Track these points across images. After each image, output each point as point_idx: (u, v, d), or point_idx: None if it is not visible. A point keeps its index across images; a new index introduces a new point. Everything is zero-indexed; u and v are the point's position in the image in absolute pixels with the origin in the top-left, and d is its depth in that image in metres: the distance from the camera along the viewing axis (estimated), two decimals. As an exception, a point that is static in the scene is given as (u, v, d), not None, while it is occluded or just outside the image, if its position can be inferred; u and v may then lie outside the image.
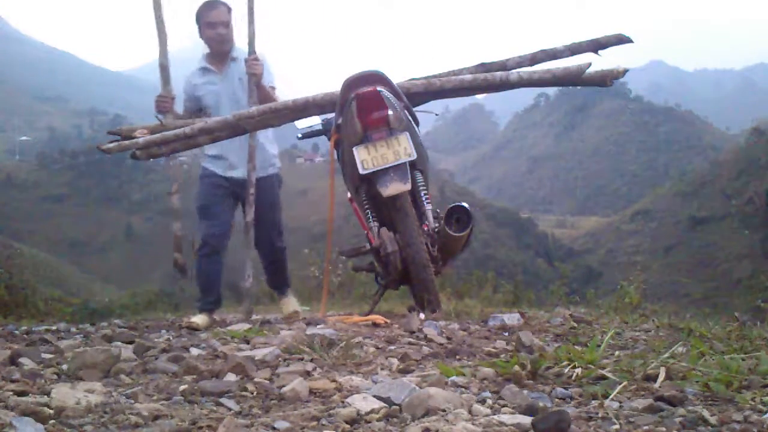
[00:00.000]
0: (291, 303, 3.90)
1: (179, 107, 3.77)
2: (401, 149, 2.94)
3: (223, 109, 3.68)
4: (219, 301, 3.75)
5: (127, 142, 3.27)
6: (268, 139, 3.89)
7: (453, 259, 3.37)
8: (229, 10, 3.76)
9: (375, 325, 2.71)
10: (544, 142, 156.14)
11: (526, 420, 1.20)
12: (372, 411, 1.32)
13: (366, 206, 3.13)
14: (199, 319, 3.50)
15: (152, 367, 1.77)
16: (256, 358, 1.86)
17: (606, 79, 3.26)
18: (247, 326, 2.83)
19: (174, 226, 3.67)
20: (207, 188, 3.77)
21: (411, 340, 2.27)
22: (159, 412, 1.28)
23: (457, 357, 1.97)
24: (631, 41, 3.29)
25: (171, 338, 2.58)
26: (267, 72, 3.74)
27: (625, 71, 3.32)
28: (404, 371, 1.76)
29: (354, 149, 2.97)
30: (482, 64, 3.41)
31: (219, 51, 3.79)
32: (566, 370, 1.60)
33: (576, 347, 1.94)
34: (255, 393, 1.50)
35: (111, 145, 3.29)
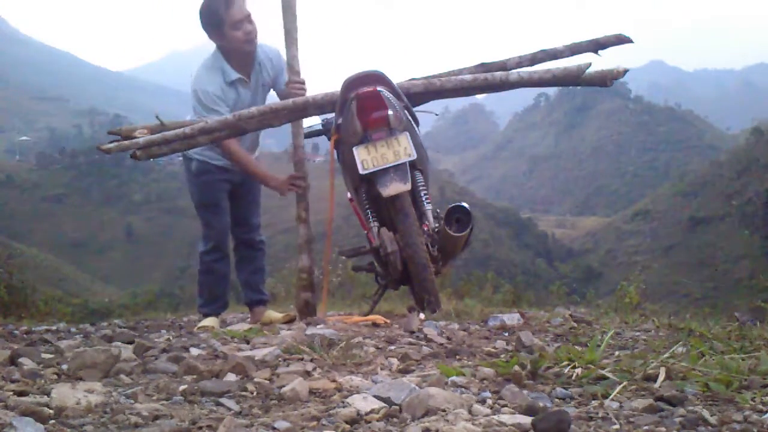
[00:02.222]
0: (270, 313, 3.63)
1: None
2: (401, 149, 2.94)
3: None
4: (226, 305, 3.69)
5: (127, 142, 3.26)
6: None
7: (453, 259, 3.37)
8: None
9: (375, 325, 2.71)
10: (544, 142, 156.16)
11: (526, 420, 1.20)
12: (372, 411, 1.32)
13: (366, 206, 3.13)
14: (211, 321, 3.44)
15: (152, 367, 1.77)
16: (256, 358, 1.86)
17: (606, 80, 3.26)
18: (247, 326, 2.83)
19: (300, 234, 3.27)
20: (211, 183, 3.55)
21: (411, 340, 2.27)
22: (159, 412, 1.28)
23: (457, 357, 1.97)
24: (630, 41, 3.29)
25: (171, 338, 2.58)
26: (284, 74, 3.53)
27: (625, 71, 3.32)
28: (404, 371, 1.76)
29: (354, 149, 2.97)
30: (482, 64, 3.40)
31: (248, 52, 3.36)
32: (566, 370, 1.60)
33: (576, 347, 1.94)
34: (255, 393, 1.50)
35: (111, 145, 3.29)
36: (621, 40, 3.30)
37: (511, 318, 2.79)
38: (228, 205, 3.64)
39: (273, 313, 3.60)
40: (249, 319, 3.79)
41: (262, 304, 3.75)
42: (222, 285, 3.63)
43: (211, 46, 3.47)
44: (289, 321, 3.27)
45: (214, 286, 3.60)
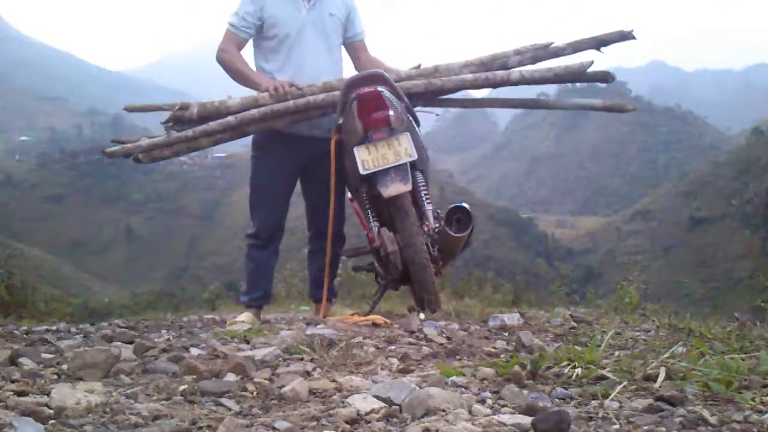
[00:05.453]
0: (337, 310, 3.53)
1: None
2: (402, 149, 2.94)
3: (307, 40, 3.30)
4: (267, 296, 3.48)
5: (129, 145, 3.27)
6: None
7: (453, 260, 3.37)
8: None
9: (375, 325, 2.71)
10: (544, 142, 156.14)
11: (526, 420, 1.20)
12: (372, 411, 1.32)
13: (366, 206, 3.13)
14: (246, 317, 3.21)
15: (152, 367, 1.77)
16: (256, 358, 1.86)
17: (607, 77, 3.29)
18: (247, 326, 2.83)
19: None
20: (263, 162, 3.35)
21: (411, 340, 2.26)
22: (159, 412, 1.28)
23: (457, 357, 1.97)
24: (633, 37, 3.27)
25: (171, 338, 2.58)
26: (358, 20, 3.46)
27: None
28: (404, 371, 1.76)
29: (355, 149, 2.97)
30: (483, 64, 3.40)
31: None
32: (566, 370, 1.60)
33: (576, 347, 1.94)
34: (255, 393, 1.50)
35: (114, 148, 3.30)
36: (623, 36, 3.28)
37: (511, 318, 2.79)
38: (288, 190, 3.41)
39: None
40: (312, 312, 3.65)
41: (327, 300, 3.52)
42: (261, 273, 3.41)
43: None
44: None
45: (253, 272, 3.41)
